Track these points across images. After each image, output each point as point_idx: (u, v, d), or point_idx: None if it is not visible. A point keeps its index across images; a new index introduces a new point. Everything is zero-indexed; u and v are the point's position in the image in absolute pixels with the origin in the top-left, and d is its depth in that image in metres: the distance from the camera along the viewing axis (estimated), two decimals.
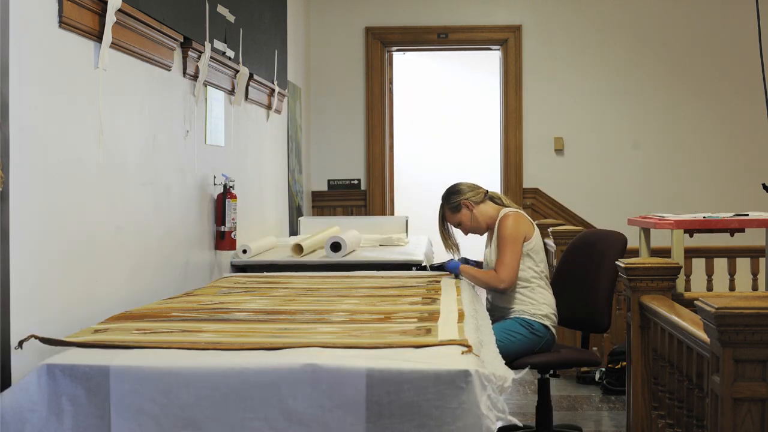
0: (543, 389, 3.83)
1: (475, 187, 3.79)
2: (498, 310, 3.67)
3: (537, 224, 3.79)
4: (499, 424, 2.10)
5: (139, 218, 3.15)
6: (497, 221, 3.66)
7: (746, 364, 2.14)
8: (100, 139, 2.77)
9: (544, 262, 3.70)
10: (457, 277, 3.67)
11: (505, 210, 3.70)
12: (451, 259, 3.78)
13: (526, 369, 2.71)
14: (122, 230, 2.99)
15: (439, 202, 3.87)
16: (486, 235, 3.81)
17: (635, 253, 4.79)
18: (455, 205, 3.74)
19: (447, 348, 2.21)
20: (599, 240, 3.89)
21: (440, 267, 3.82)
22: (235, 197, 4.09)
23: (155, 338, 2.33)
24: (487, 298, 3.78)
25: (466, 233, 3.82)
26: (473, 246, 4.71)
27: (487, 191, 3.80)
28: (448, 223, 3.81)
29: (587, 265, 3.83)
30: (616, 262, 3.57)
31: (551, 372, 3.81)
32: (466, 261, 3.82)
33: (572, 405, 4.78)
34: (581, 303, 3.81)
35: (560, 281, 3.93)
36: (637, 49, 7.25)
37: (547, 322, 3.62)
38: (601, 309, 3.72)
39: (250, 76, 4.64)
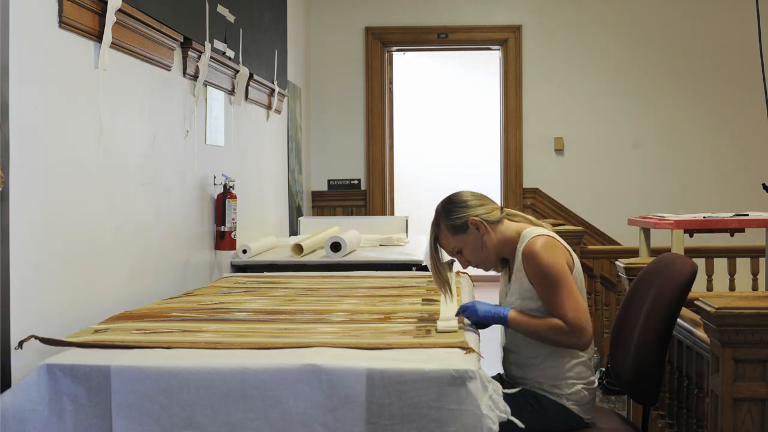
0: None
1: (486, 201, 2.63)
2: (509, 374, 2.62)
3: None
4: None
5: (139, 218, 3.15)
6: (520, 248, 2.52)
7: (746, 364, 2.14)
8: (100, 139, 2.77)
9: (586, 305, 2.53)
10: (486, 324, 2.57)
11: (532, 230, 2.55)
12: (476, 302, 2.56)
13: None
14: (122, 230, 2.99)
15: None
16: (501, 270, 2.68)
17: (635, 253, 4.79)
18: (459, 222, 2.57)
19: (447, 348, 2.21)
20: (660, 270, 2.63)
21: (478, 321, 2.54)
22: (235, 197, 4.09)
23: (155, 338, 2.33)
24: (504, 347, 2.64)
25: (465, 266, 2.69)
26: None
27: (503, 207, 2.65)
28: (442, 249, 2.66)
29: (643, 305, 2.60)
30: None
31: None
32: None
33: None
34: (630, 359, 2.57)
35: (617, 328, 2.74)
36: (637, 49, 7.25)
37: (568, 403, 2.48)
38: (649, 369, 2.47)
39: (250, 76, 4.64)
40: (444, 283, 2.66)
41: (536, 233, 2.51)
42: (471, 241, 2.57)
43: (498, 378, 2.64)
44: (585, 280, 5.40)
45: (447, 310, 2.63)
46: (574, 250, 2.58)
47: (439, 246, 2.64)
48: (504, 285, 2.65)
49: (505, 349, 2.61)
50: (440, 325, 2.44)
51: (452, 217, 2.57)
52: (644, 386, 2.49)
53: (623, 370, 2.58)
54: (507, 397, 2.10)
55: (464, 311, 2.53)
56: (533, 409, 2.44)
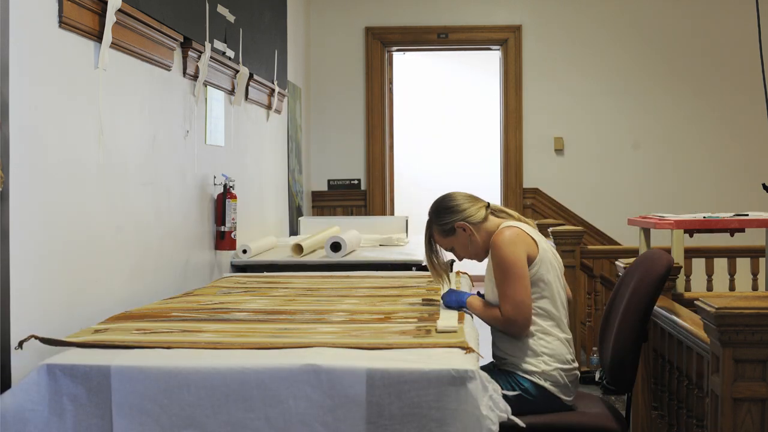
0: None
1: (473, 201, 2.86)
2: (497, 358, 2.81)
3: (537, 224, 3.08)
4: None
5: (139, 218, 3.15)
6: (491, 240, 2.75)
7: (746, 364, 2.14)
8: (100, 139, 2.77)
9: (558, 289, 2.76)
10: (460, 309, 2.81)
11: (505, 223, 2.80)
12: (450, 290, 2.91)
13: None
14: (122, 230, 2.99)
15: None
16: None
17: (635, 253, 4.79)
18: (448, 227, 2.83)
19: (447, 348, 2.21)
20: (640, 264, 2.89)
21: (449, 307, 2.84)
22: (235, 197, 4.09)
23: (155, 338, 2.33)
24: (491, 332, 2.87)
25: (460, 259, 2.98)
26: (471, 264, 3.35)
27: (488, 204, 2.88)
28: (437, 245, 2.92)
29: (624, 298, 2.83)
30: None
31: None
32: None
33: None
34: (610, 348, 2.83)
35: (604, 319, 2.98)
36: (637, 49, 7.25)
37: (542, 382, 2.67)
38: (624, 358, 2.72)
39: (250, 76, 4.64)
40: (440, 276, 2.95)
41: (506, 225, 2.76)
42: (460, 241, 2.85)
43: (490, 365, 2.79)
44: (585, 280, 5.45)
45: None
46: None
47: (435, 243, 2.92)
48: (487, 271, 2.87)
49: (492, 334, 2.81)
50: (440, 324, 2.50)
51: (441, 222, 2.85)
52: (620, 375, 2.74)
53: (605, 360, 2.85)
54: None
55: (442, 298, 2.88)
56: (511, 387, 2.62)
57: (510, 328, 2.66)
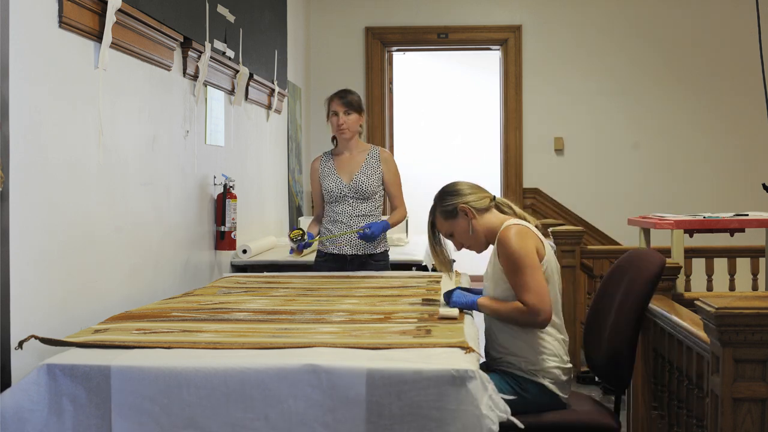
0: None
1: (478, 190, 2.87)
2: (491, 358, 2.80)
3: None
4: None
5: (139, 218, 3.15)
6: (498, 235, 2.73)
7: (746, 364, 2.14)
8: (100, 139, 2.77)
9: (557, 295, 2.75)
10: (464, 311, 2.80)
11: (511, 221, 2.77)
12: (455, 289, 2.89)
13: None
14: (122, 230, 2.99)
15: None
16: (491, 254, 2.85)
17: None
18: (450, 209, 2.82)
19: (447, 348, 2.21)
20: (631, 263, 2.89)
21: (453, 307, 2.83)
22: (235, 197, 4.10)
23: (155, 338, 2.33)
24: (485, 332, 2.85)
25: (458, 248, 2.93)
26: (471, 260, 3.53)
27: (494, 197, 2.88)
28: (440, 232, 2.93)
29: (615, 297, 2.86)
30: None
31: None
32: (468, 290, 2.94)
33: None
34: (603, 348, 2.84)
35: (591, 317, 3.00)
36: (637, 49, 7.25)
37: (542, 380, 2.68)
38: (621, 356, 2.74)
39: (250, 76, 4.64)
40: (443, 263, 2.96)
41: (512, 222, 2.74)
42: (461, 225, 2.83)
43: (482, 366, 2.69)
44: (585, 281, 5.45)
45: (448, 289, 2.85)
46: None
47: (437, 230, 2.91)
48: (489, 267, 2.85)
49: (487, 334, 2.78)
50: (442, 310, 2.64)
51: (444, 204, 2.85)
52: (618, 372, 2.76)
53: (597, 358, 2.85)
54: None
55: (445, 297, 2.84)
56: (514, 391, 2.62)
57: (536, 318, 2.61)
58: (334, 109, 3.97)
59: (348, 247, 3.88)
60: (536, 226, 2.80)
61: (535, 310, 2.60)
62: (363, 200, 3.90)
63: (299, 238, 3.71)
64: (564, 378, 2.71)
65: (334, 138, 4.05)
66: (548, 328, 2.69)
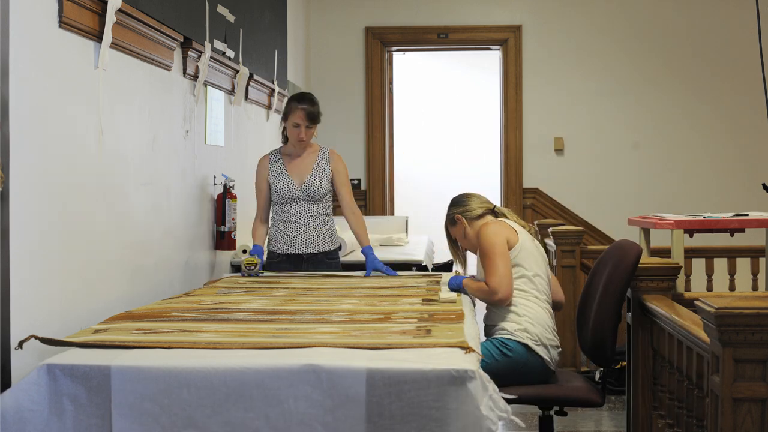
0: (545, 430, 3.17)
1: (476, 200, 3.37)
2: (488, 328, 3.24)
3: (537, 224, 3.53)
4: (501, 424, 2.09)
5: (139, 218, 3.15)
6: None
7: (746, 364, 2.14)
8: (100, 139, 2.77)
9: (538, 273, 3.19)
10: (460, 292, 3.30)
11: (489, 219, 3.31)
12: (454, 275, 3.42)
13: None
14: (122, 230, 2.99)
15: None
16: None
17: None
18: (450, 217, 3.37)
19: (447, 348, 2.21)
20: (612, 254, 3.23)
21: (452, 290, 3.35)
22: (235, 197, 4.10)
23: (155, 338, 2.33)
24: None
25: (464, 250, 3.46)
26: None
27: (494, 207, 3.36)
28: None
29: (599, 284, 3.20)
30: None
31: (555, 409, 3.14)
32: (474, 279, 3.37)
33: None
34: (589, 330, 3.18)
35: (581, 303, 3.35)
36: (637, 48, 7.25)
37: (526, 340, 3.05)
38: (605, 337, 3.09)
39: (250, 76, 4.65)
40: (456, 255, 3.50)
41: (491, 220, 3.27)
42: (459, 231, 3.36)
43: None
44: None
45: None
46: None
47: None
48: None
49: (486, 308, 3.25)
50: (442, 295, 3.08)
51: (448, 212, 3.40)
52: (602, 351, 3.13)
53: (585, 340, 3.23)
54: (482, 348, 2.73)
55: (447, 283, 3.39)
56: (500, 352, 3.03)
57: (493, 297, 3.09)
58: (297, 121, 3.86)
59: (303, 246, 3.90)
60: (531, 231, 3.29)
61: (494, 290, 3.08)
62: (314, 202, 3.92)
63: (252, 266, 3.74)
64: (548, 343, 3.10)
65: (284, 134, 3.99)
66: (528, 297, 3.13)
